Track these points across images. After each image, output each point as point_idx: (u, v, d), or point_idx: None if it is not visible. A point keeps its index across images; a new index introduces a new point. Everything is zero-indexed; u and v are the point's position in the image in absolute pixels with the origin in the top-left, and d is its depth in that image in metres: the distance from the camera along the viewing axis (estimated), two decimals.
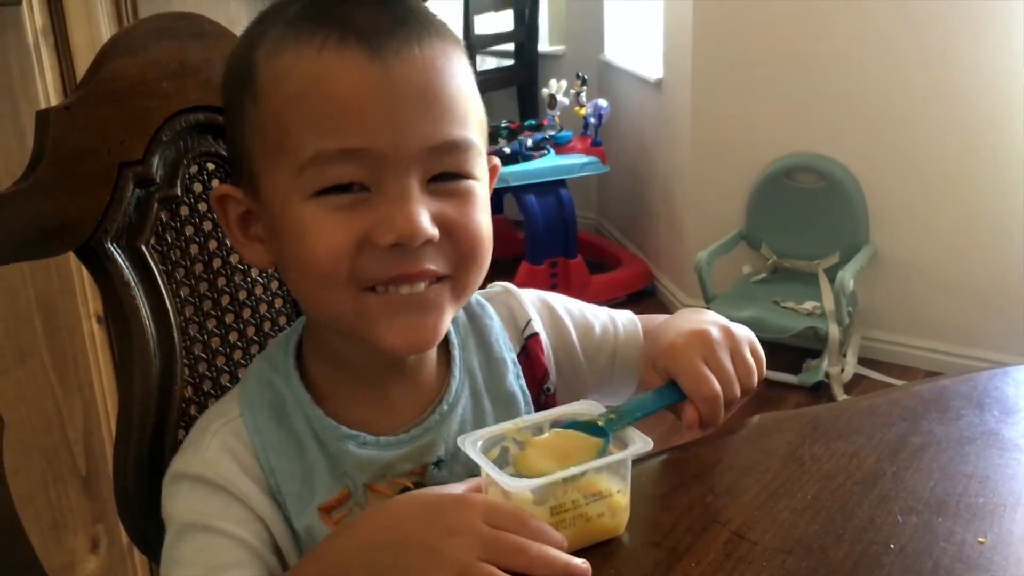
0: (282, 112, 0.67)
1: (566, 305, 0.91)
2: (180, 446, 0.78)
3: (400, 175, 0.66)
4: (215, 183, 0.87)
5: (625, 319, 0.93)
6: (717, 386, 0.75)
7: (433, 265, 0.69)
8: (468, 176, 0.71)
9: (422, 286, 0.70)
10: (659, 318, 0.93)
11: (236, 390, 0.79)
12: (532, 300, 0.89)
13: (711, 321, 0.81)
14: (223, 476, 0.72)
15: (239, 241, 0.76)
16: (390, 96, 0.65)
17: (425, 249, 0.68)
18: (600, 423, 0.71)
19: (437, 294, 0.71)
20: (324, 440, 0.75)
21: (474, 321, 0.84)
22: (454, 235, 0.69)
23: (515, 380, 0.83)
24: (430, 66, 0.67)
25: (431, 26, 0.69)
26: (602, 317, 0.92)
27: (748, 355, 0.79)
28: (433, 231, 0.67)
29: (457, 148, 0.69)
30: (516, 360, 0.84)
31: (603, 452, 0.69)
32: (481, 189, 0.72)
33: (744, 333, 0.81)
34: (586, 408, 0.74)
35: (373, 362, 0.76)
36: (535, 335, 0.86)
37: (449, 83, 0.68)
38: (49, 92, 1.39)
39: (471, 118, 0.71)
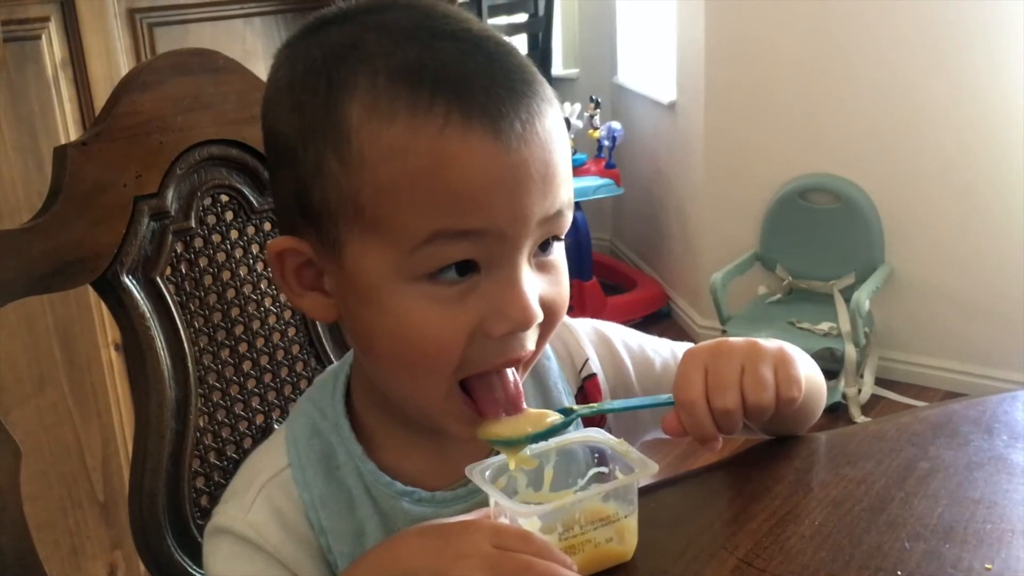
0: (391, 190, 0.61)
1: (624, 339, 0.86)
2: (224, 493, 0.75)
3: (514, 251, 0.63)
4: (228, 215, 0.89)
5: None
6: (697, 392, 0.69)
7: (532, 346, 0.68)
8: (562, 234, 0.69)
9: (519, 369, 0.69)
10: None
11: (283, 432, 0.76)
12: (588, 334, 0.85)
13: (753, 340, 0.73)
14: (269, 542, 0.70)
15: (295, 292, 0.70)
16: (515, 179, 0.62)
17: (529, 331, 0.67)
18: (575, 408, 0.71)
19: (519, 383, 0.69)
20: (376, 496, 0.73)
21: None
22: (548, 315, 0.67)
23: (572, 426, 0.76)
24: (548, 140, 0.64)
25: (540, 88, 0.65)
26: (663, 353, 0.87)
27: (766, 370, 0.70)
28: (541, 315, 0.65)
29: (565, 210, 0.66)
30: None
31: (560, 427, 0.69)
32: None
33: (775, 350, 0.72)
34: (598, 436, 0.73)
35: None
36: (592, 376, 0.83)
37: (563, 151, 0.65)
38: (68, 124, 1.42)
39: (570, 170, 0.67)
